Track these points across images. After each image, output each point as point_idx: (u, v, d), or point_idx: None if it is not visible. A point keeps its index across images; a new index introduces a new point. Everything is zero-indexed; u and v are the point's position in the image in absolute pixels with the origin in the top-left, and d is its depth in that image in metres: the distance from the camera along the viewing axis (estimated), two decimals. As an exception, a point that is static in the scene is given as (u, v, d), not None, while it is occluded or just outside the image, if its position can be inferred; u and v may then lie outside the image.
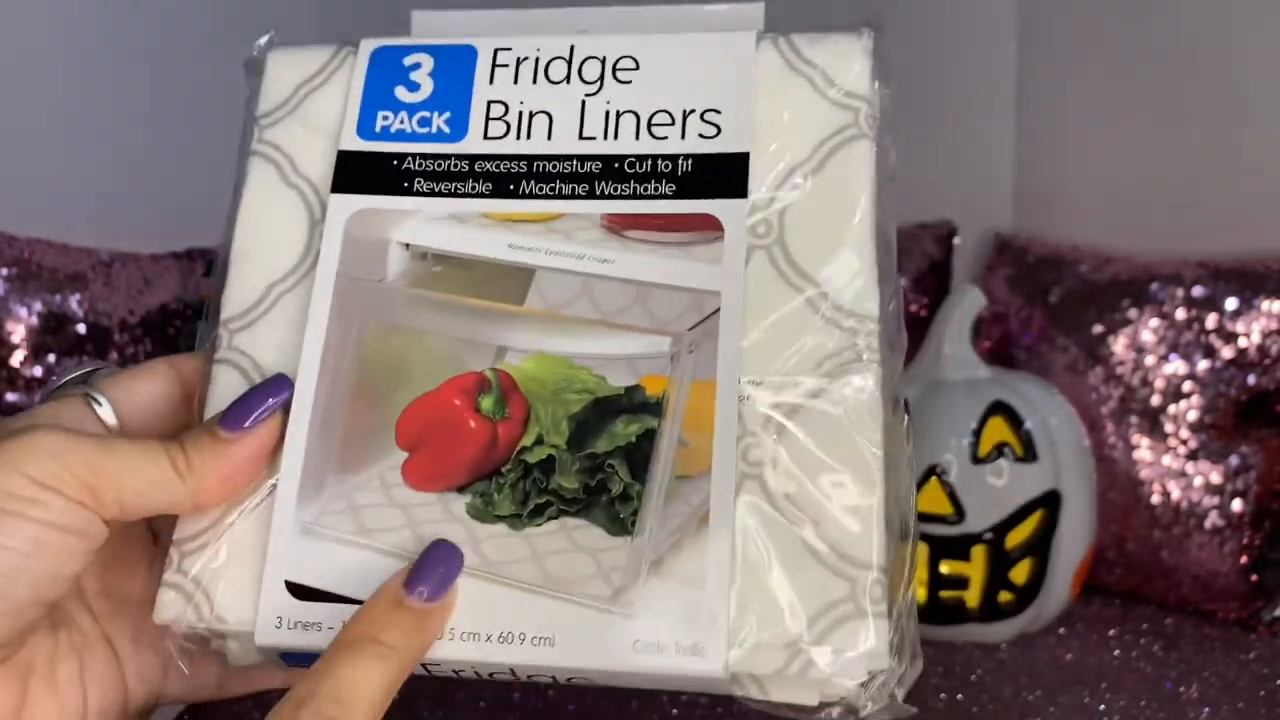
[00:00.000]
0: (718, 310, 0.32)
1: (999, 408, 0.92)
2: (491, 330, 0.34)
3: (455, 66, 0.36)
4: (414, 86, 0.36)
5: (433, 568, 0.30)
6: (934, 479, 0.91)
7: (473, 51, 0.36)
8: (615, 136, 0.34)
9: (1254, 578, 0.94)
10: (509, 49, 0.36)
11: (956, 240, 1.24)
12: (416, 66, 0.36)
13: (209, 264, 1.16)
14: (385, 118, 0.35)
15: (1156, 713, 0.80)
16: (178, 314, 1.19)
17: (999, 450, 0.91)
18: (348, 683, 0.27)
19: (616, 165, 0.34)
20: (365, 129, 0.35)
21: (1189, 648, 0.92)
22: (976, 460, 0.91)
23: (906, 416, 0.33)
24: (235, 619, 0.31)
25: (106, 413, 0.32)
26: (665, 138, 0.34)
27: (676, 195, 0.33)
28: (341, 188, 0.35)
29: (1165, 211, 1.11)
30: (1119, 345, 1.01)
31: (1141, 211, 1.13)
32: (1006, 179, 1.28)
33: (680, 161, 0.33)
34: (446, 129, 0.35)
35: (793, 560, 0.30)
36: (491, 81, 0.35)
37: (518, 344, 0.33)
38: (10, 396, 1.09)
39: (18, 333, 1.09)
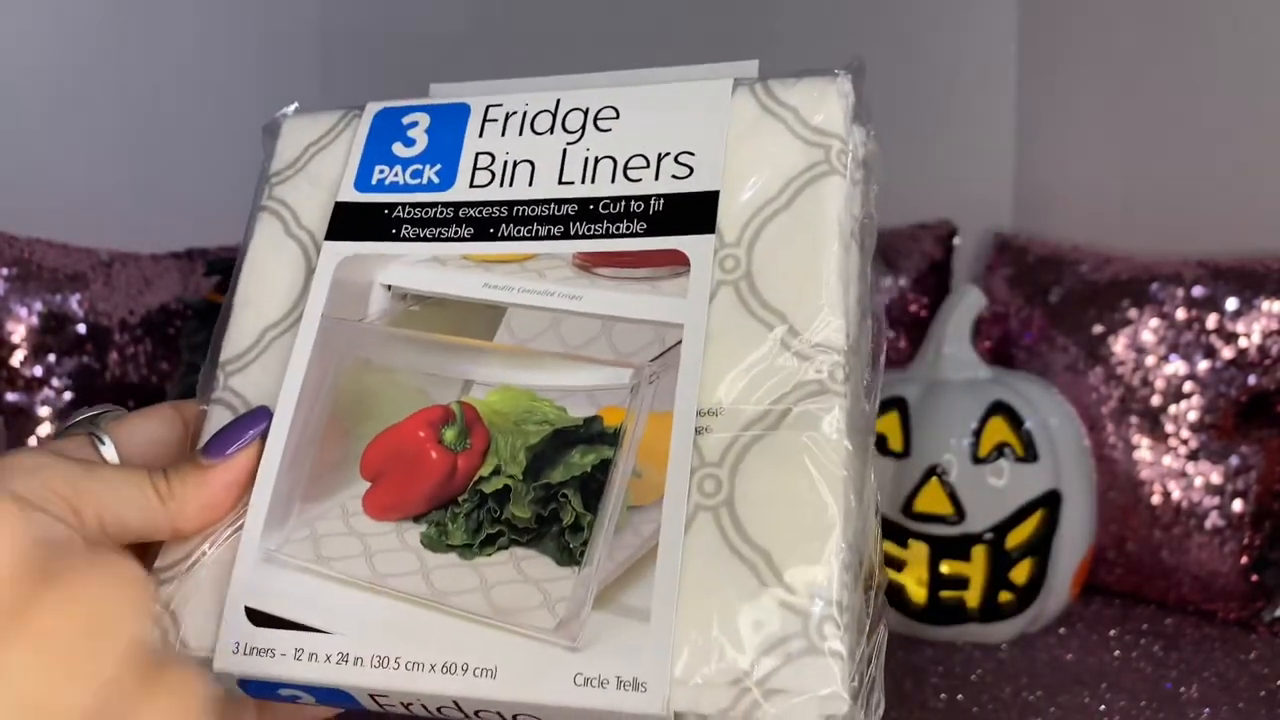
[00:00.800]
0: (679, 342, 0.32)
1: (999, 408, 0.92)
2: (460, 365, 0.34)
3: (449, 122, 0.37)
4: (410, 142, 0.37)
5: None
6: (934, 479, 0.91)
7: (466, 108, 0.38)
8: (592, 180, 0.35)
9: (1254, 578, 0.94)
10: (500, 104, 0.37)
11: (956, 240, 1.24)
12: (414, 124, 0.38)
13: (209, 264, 1.16)
14: (381, 171, 0.37)
15: (1156, 713, 0.80)
16: (178, 314, 1.19)
17: (999, 450, 0.91)
18: None
19: (591, 207, 0.35)
20: (363, 182, 0.37)
21: (1189, 648, 0.92)
22: (977, 460, 0.91)
23: (872, 453, 0.32)
24: (198, 644, 0.31)
25: (109, 451, 0.33)
26: (639, 180, 0.35)
27: (647, 233, 0.33)
28: (335, 236, 0.36)
29: (1165, 211, 1.11)
30: (1119, 345, 1.01)
31: (1141, 211, 1.13)
32: (1006, 179, 1.28)
33: (652, 201, 0.34)
34: (436, 179, 0.37)
35: (744, 594, 0.29)
36: (481, 134, 0.37)
37: (484, 378, 0.34)
38: (10, 396, 1.09)
39: (18, 333, 1.09)
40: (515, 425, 0.33)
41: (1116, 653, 0.91)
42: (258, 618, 0.31)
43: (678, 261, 0.33)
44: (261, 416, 0.33)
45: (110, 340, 1.14)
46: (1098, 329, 1.02)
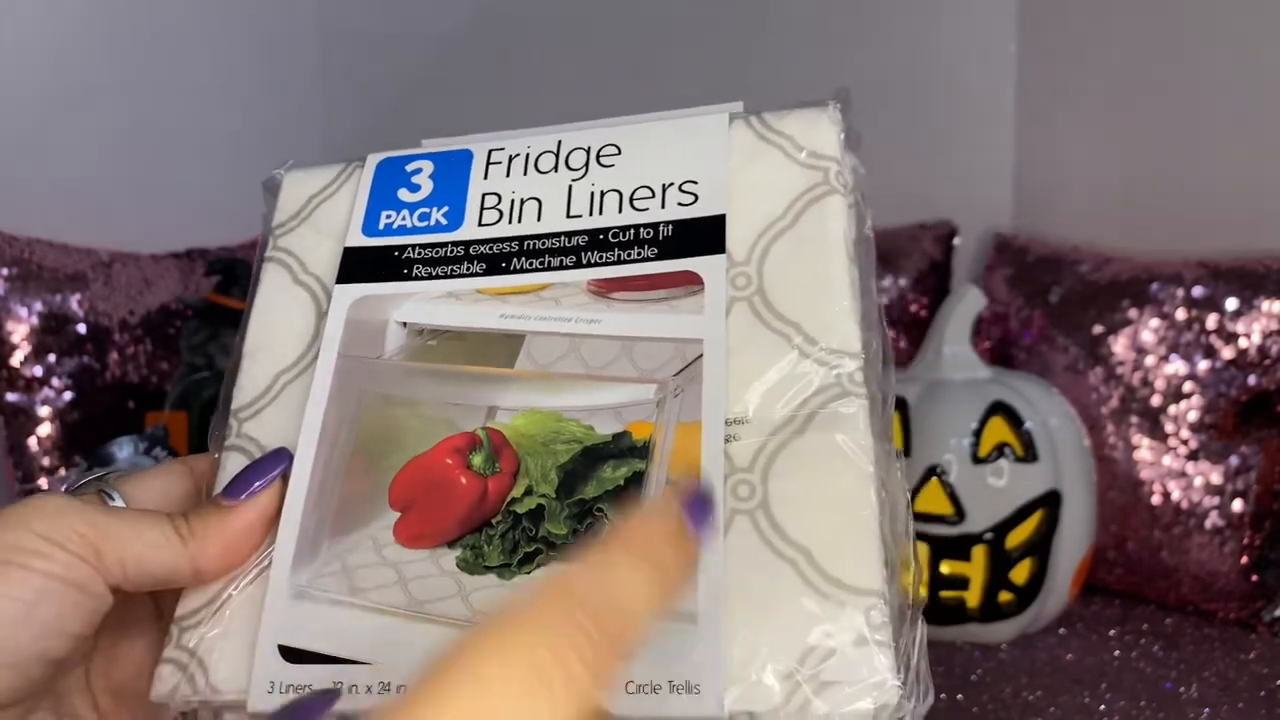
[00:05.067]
0: (701, 356, 0.32)
1: (999, 408, 0.92)
2: (483, 393, 0.35)
3: (453, 167, 0.39)
4: (415, 188, 0.38)
5: (704, 505, 0.26)
6: (934, 479, 0.91)
7: (468, 153, 0.39)
8: (600, 212, 0.36)
9: (1254, 578, 0.94)
10: (501, 148, 0.38)
11: (956, 240, 1.24)
12: (418, 171, 0.39)
13: (209, 264, 1.16)
14: (388, 216, 0.38)
15: (1156, 713, 0.80)
16: (178, 314, 1.20)
17: (999, 450, 0.91)
18: (629, 591, 0.23)
19: (601, 236, 0.36)
20: (370, 227, 0.38)
21: (1189, 648, 0.92)
22: (977, 460, 0.91)
23: (902, 461, 0.32)
24: (229, 688, 0.31)
25: (119, 506, 0.33)
26: (646, 209, 0.36)
27: (659, 258, 0.35)
28: (346, 279, 0.37)
29: (1165, 211, 1.11)
30: (1119, 345, 1.01)
31: (1141, 211, 1.13)
32: (1006, 179, 1.28)
33: (661, 228, 0.35)
34: (444, 220, 0.37)
35: (787, 591, 0.29)
36: (486, 177, 0.38)
37: (509, 403, 0.34)
38: (10, 396, 1.09)
39: (18, 332, 1.09)
40: (544, 446, 0.33)
41: (1116, 653, 0.91)
42: (292, 655, 0.31)
43: (691, 282, 0.34)
44: (282, 457, 0.33)
45: (110, 340, 1.14)
46: (1098, 329, 1.02)
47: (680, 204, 0.35)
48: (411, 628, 0.31)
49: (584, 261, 0.35)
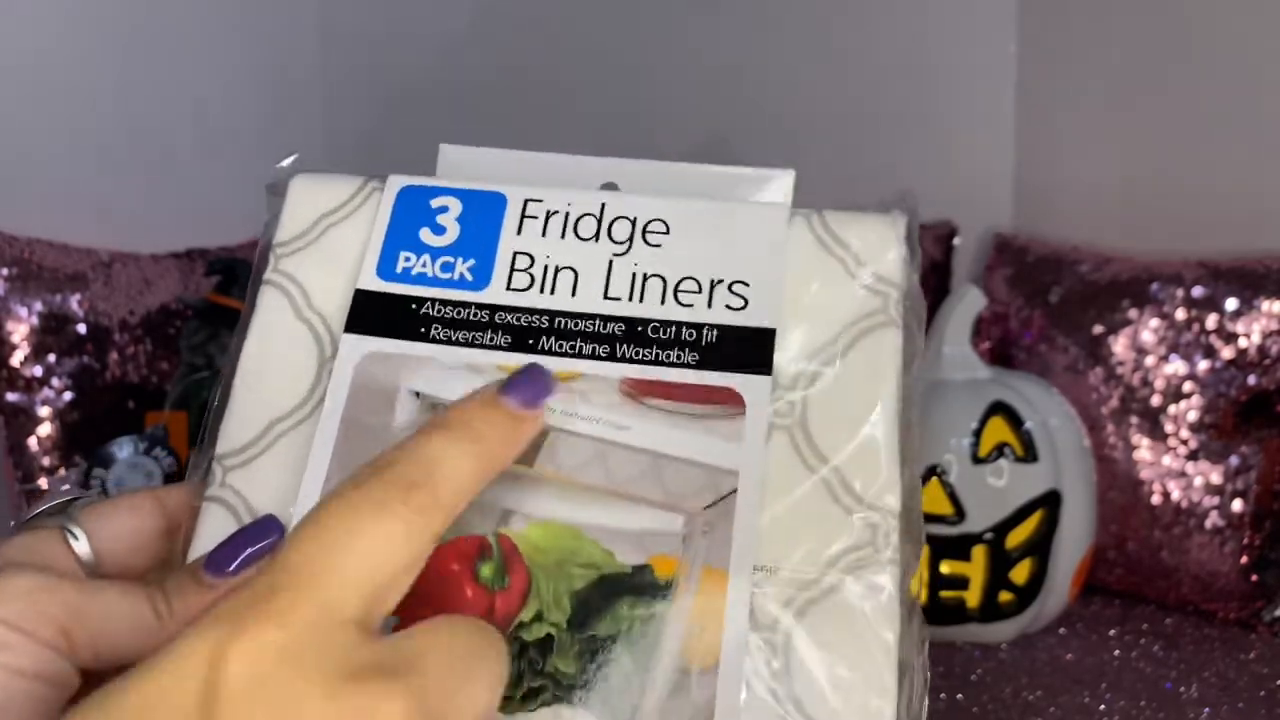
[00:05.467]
0: (734, 491, 0.30)
1: (999, 408, 0.92)
2: (498, 491, 0.31)
3: (483, 213, 0.35)
4: (440, 230, 0.35)
5: (527, 383, 0.29)
6: (934, 479, 0.91)
7: (502, 199, 0.35)
8: (640, 299, 0.33)
9: (1254, 578, 0.94)
10: (540, 200, 0.35)
11: (956, 240, 1.24)
12: (444, 209, 0.35)
13: (209, 264, 1.16)
14: (407, 259, 0.34)
15: (1156, 713, 0.80)
16: (178, 314, 1.19)
17: (999, 450, 0.91)
18: (435, 456, 0.26)
19: (640, 329, 0.33)
20: (386, 269, 0.34)
21: (1189, 648, 0.92)
22: (977, 460, 0.91)
23: (921, 618, 0.31)
24: None
25: (82, 547, 0.30)
26: (691, 305, 0.33)
27: (699, 365, 0.32)
28: (355, 328, 0.33)
29: (1165, 211, 1.11)
30: (1119, 345, 1.01)
31: (1141, 211, 1.13)
32: (1006, 179, 1.28)
33: (705, 331, 0.33)
34: (469, 276, 0.34)
35: None
36: (519, 232, 0.34)
37: (525, 508, 0.32)
38: (10, 396, 1.09)
39: (18, 332, 1.09)
40: (558, 565, 0.31)
41: (1116, 653, 0.91)
42: None
43: (731, 400, 0.32)
44: (272, 529, 0.30)
45: (110, 340, 1.14)
46: (1098, 329, 1.02)
47: (729, 306, 0.33)
48: None
49: (618, 354, 0.32)
